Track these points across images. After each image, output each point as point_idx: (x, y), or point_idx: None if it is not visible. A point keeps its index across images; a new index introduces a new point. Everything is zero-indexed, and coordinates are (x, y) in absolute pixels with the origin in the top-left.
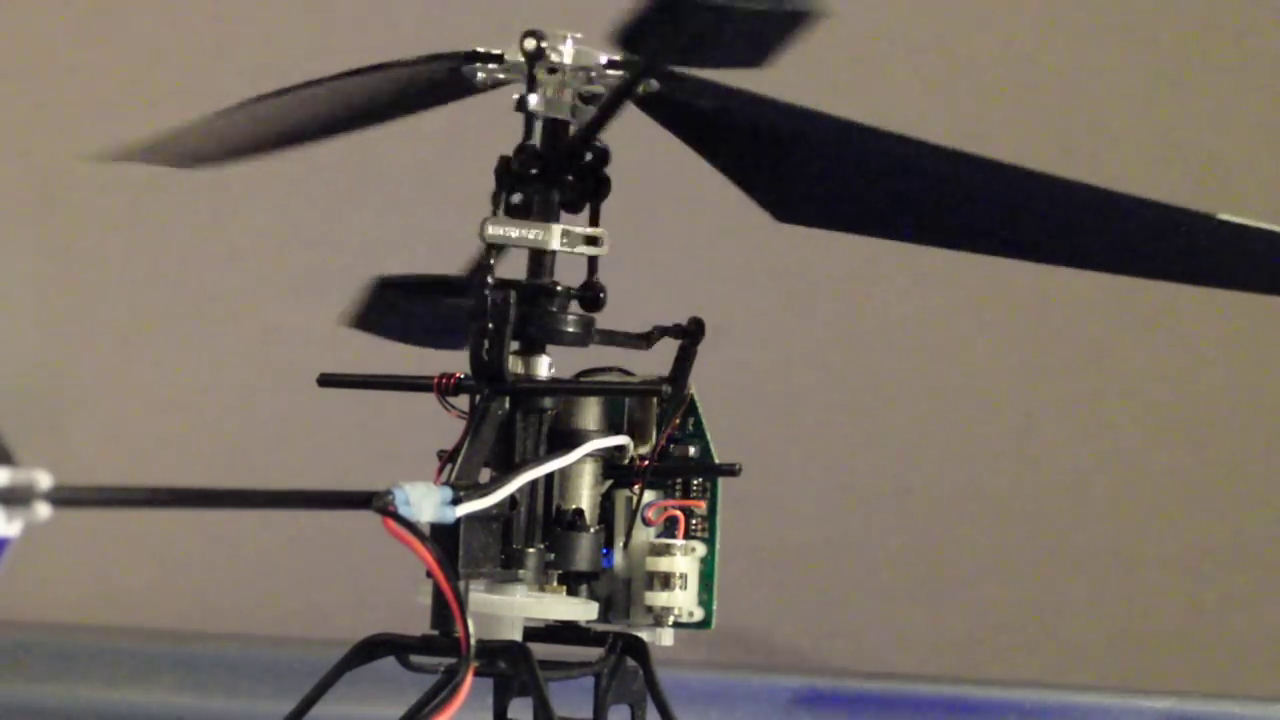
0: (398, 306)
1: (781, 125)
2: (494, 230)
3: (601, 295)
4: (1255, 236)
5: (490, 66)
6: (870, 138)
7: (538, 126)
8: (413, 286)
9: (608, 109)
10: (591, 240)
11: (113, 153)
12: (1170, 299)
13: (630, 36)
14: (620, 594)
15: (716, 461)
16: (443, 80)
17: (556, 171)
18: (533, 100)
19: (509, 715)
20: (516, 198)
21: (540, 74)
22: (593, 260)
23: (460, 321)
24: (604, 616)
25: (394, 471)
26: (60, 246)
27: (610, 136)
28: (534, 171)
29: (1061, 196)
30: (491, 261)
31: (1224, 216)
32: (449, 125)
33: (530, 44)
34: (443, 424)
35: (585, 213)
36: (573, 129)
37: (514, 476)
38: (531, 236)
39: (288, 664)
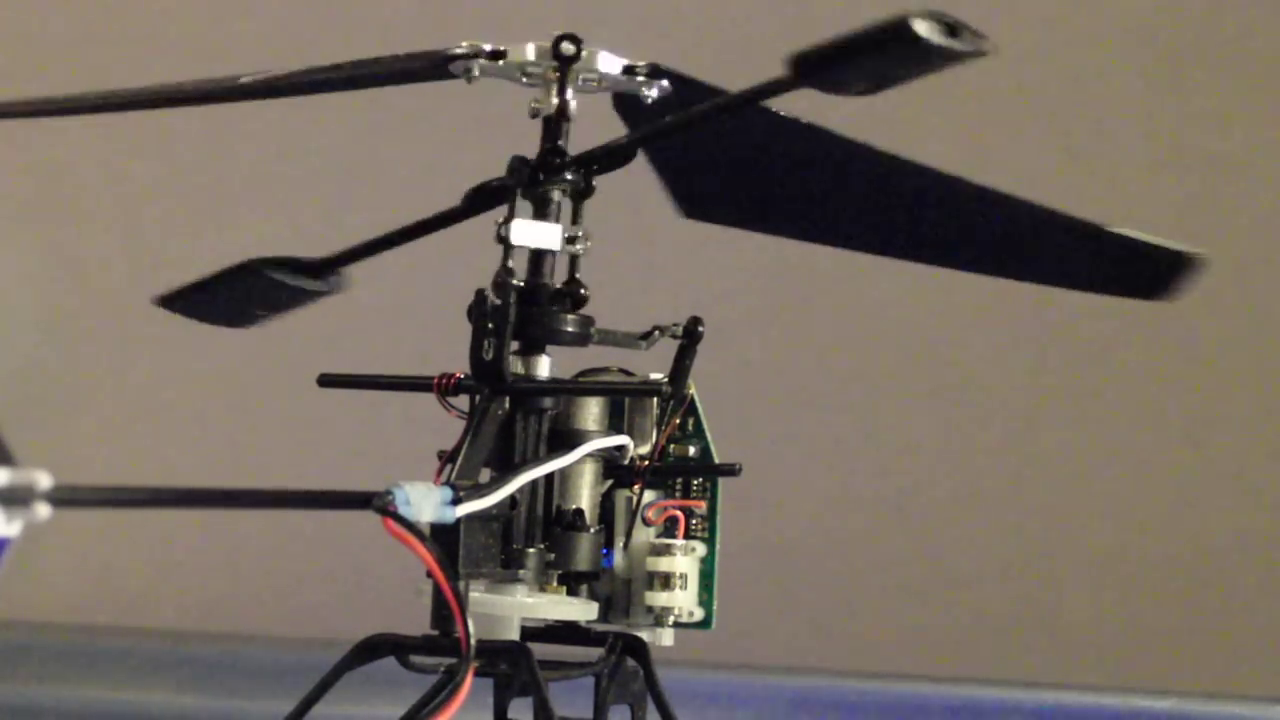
0: (237, 290)
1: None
2: (516, 231)
3: (584, 292)
4: (1138, 248)
5: (499, 64)
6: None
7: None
8: (275, 269)
9: (712, 116)
10: (574, 239)
11: None
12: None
13: (818, 62)
14: (620, 594)
15: (716, 461)
16: (427, 71)
17: (590, 173)
18: (573, 105)
19: (509, 715)
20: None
21: (550, 75)
22: (574, 259)
23: (284, 301)
24: (604, 616)
25: (394, 471)
26: (60, 246)
27: (610, 135)
28: (559, 174)
29: (952, 197)
30: (510, 263)
31: (1115, 229)
32: (448, 129)
33: (568, 48)
34: (443, 424)
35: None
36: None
37: (514, 476)
38: (545, 237)
39: (288, 664)
